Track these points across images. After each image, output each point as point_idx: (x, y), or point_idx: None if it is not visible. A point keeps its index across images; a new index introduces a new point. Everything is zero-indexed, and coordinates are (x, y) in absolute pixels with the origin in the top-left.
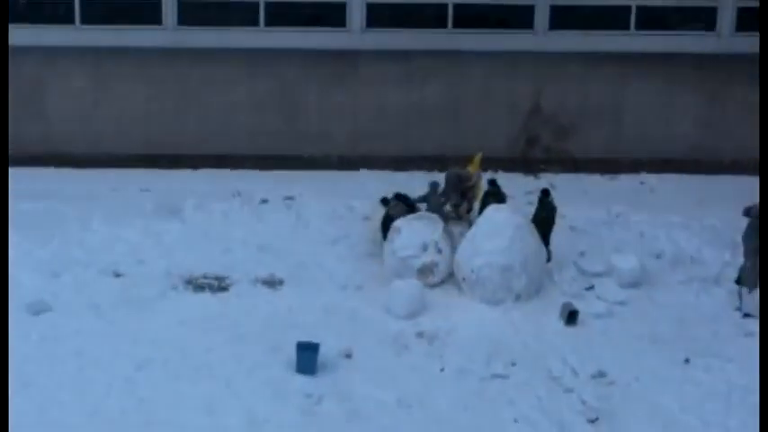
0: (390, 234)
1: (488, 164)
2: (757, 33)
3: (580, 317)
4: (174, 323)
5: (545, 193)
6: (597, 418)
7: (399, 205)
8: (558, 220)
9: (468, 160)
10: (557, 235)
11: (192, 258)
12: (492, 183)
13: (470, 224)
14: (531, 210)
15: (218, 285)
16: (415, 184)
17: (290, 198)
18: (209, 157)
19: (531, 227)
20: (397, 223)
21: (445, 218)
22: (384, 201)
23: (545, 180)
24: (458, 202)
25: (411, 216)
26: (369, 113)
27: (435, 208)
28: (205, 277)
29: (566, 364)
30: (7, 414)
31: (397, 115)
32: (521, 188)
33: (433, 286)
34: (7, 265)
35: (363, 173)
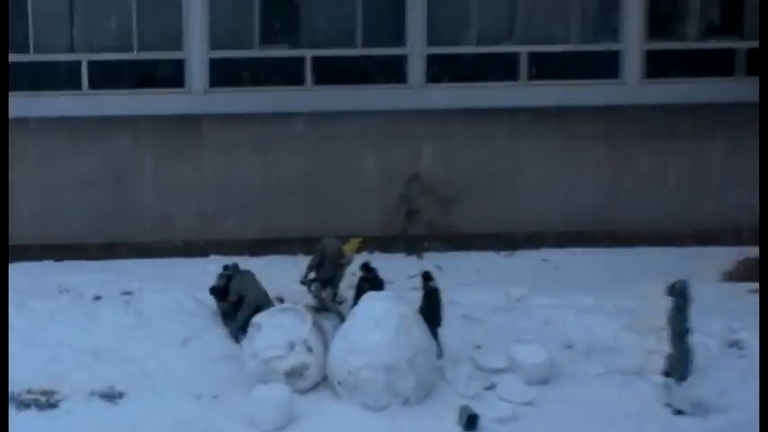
0: (250, 331)
1: (363, 244)
2: (669, 81)
3: (481, 422)
4: None
5: (426, 278)
6: None
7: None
8: (447, 308)
9: (344, 242)
10: (447, 325)
11: (13, 370)
12: (366, 267)
13: (341, 316)
14: (417, 296)
15: (47, 401)
16: (276, 270)
17: (128, 293)
18: (29, 248)
19: (418, 317)
20: (258, 319)
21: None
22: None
23: (430, 260)
24: (325, 281)
25: (274, 309)
26: (216, 189)
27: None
28: (29, 392)
29: None
30: (7, 415)
31: (251, 190)
32: (402, 271)
33: (305, 392)
34: (7, 266)
35: (213, 259)
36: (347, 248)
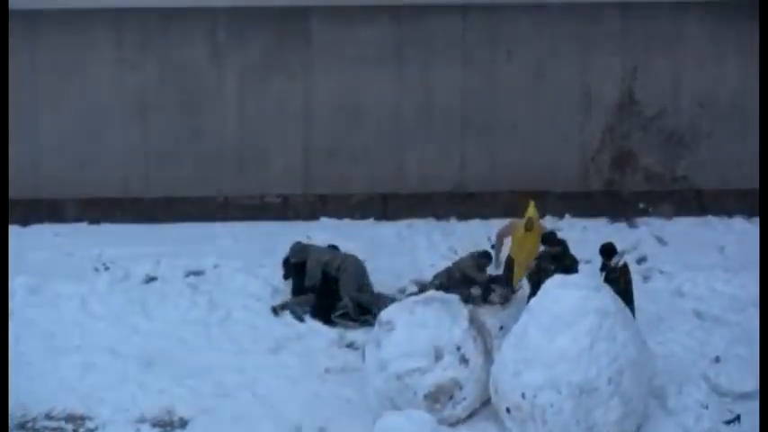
0: (375, 332)
1: (545, 204)
2: None
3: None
4: None
5: (606, 253)
6: None
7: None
8: (673, 302)
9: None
10: (671, 328)
11: (26, 384)
12: (550, 239)
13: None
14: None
15: None
16: (417, 240)
17: (198, 273)
18: (54, 204)
19: (626, 315)
20: (389, 313)
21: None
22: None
23: (647, 229)
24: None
25: (413, 299)
26: (329, 118)
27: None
28: (49, 417)
29: None
30: (7, 411)
31: (382, 121)
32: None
33: (454, 424)
34: (7, 265)
35: (324, 224)
36: (529, 217)
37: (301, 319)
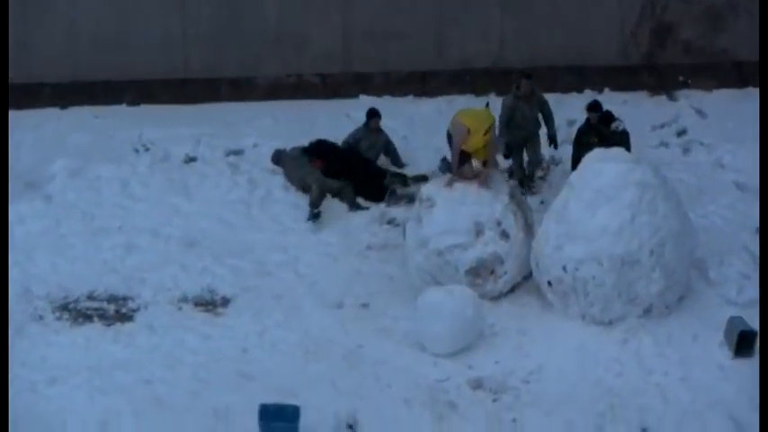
0: (416, 209)
1: (584, 78)
2: None
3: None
4: (43, 382)
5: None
6: None
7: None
8: (715, 173)
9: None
10: (712, 200)
11: (67, 266)
12: (594, 108)
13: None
14: (665, 158)
15: (116, 312)
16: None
17: (238, 152)
18: (91, 86)
19: (669, 187)
20: (428, 190)
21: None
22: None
23: (687, 101)
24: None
25: (451, 176)
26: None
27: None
28: (92, 298)
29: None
30: (7, 413)
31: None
32: (645, 120)
33: (497, 298)
34: (7, 263)
35: (363, 101)
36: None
37: (357, 206)
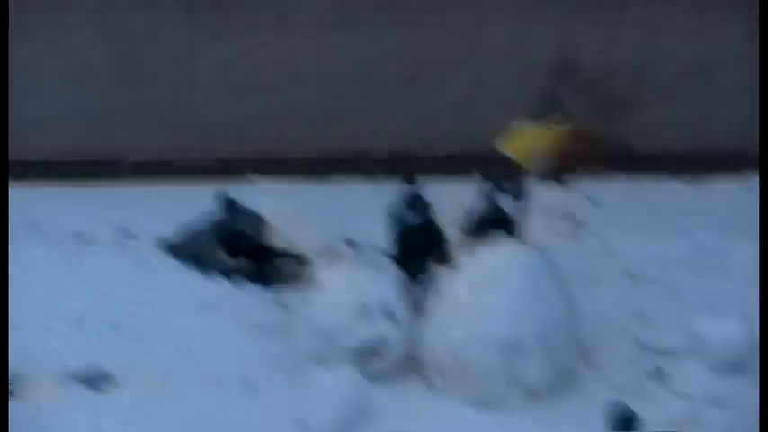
0: (306, 291)
1: (467, 162)
2: None
3: (640, 424)
4: None
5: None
6: None
7: None
8: (604, 261)
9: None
10: (601, 285)
11: None
12: (486, 197)
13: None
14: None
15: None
16: (348, 200)
17: (125, 230)
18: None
19: (556, 273)
20: (317, 270)
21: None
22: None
23: (579, 190)
24: None
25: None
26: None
27: None
28: None
29: None
30: (7, 414)
31: (309, 83)
32: (537, 203)
33: (382, 379)
34: (7, 264)
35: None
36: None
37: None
